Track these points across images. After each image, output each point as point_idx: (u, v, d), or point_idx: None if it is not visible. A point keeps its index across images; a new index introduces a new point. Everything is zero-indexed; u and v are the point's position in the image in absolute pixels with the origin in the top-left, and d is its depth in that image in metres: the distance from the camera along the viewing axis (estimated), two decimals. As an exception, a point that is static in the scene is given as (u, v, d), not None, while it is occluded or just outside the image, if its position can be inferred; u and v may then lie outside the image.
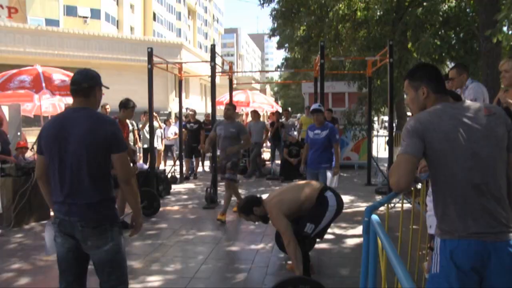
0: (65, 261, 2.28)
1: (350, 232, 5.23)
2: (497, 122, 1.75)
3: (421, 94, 1.90)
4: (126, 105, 5.51)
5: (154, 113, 9.45)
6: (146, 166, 7.90)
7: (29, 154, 7.32)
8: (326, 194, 3.59)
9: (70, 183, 2.21)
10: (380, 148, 12.57)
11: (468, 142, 1.71)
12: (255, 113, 10.58)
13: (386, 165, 8.83)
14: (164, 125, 11.01)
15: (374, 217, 2.05)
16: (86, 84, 2.29)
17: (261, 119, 12.82)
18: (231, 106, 6.19)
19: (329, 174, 5.38)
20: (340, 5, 10.55)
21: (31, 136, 9.14)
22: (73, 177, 2.21)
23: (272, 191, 4.17)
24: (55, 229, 2.29)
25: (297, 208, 3.58)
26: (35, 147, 8.08)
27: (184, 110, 10.75)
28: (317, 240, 4.12)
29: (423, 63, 2.18)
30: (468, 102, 1.85)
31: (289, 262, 4.04)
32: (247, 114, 12.84)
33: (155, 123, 9.43)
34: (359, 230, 5.24)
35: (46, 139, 2.28)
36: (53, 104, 8.55)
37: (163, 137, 10.75)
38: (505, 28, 5.72)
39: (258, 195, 3.84)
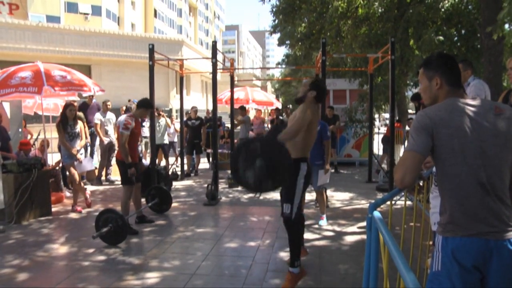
0: None
1: (350, 229, 5.22)
2: (506, 121, 1.73)
3: (434, 85, 1.85)
4: (147, 105, 5.36)
5: (161, 112, 9.45)
6: (148, 163, 7.89)
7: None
8: (301, 164, 3.50)
9: None
10: (381, 145, 12.53)
11: (477, 140, 1.69)
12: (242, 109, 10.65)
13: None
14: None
15: (376, 213, 2.04)
16: None
17: (261, 115, 12.81)
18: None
19: (321, 172, 5.34)
20: (340, 2, 10.51)
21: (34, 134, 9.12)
22: None
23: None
24: None
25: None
26: (36, 143, 8.14)
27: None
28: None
29: (441, 53, 2.07)
30: (479, 99, 1.81)
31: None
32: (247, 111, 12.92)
33: (163, 120, 9.42)
34: (359, 227, 5.25)
35: None
36: (55, 103, 8.53)
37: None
38: (506, 25, 5.71)
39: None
